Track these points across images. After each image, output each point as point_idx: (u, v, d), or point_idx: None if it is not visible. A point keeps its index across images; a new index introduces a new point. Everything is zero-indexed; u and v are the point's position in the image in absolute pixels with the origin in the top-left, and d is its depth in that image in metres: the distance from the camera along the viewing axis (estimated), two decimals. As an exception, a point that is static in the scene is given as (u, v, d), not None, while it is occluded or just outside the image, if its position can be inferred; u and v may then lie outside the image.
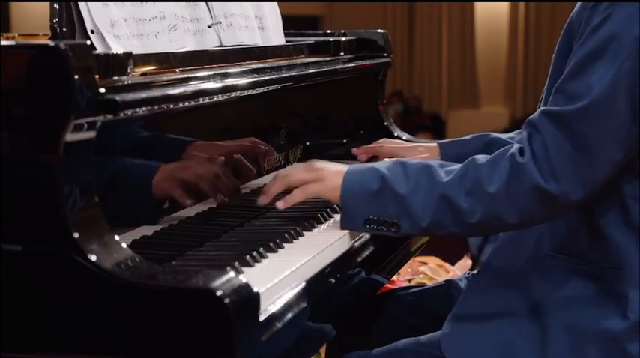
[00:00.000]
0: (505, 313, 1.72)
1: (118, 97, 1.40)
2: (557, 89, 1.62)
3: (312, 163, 1.79)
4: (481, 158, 1.66)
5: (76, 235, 1.31)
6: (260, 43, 2.17)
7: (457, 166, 1.67)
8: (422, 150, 2.15)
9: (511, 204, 1.60)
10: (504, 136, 2.14)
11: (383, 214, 1.68)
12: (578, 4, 1.67)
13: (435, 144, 2.17)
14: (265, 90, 1.94)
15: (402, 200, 1.66)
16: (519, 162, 1.60)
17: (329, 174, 1.74)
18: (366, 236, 1.83)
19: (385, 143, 2.23)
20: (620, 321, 1.66)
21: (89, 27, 1.65)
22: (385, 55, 2.65)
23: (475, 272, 2.12)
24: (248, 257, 1.54)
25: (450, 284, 2.10)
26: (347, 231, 1.79)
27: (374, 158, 2.20)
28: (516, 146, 1.63)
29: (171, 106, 1.59)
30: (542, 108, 1.64)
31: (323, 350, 2.34)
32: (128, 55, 1.56)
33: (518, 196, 1.60)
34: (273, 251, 1.62)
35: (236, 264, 1.49)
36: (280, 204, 1.74)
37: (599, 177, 1.59)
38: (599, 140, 1.57)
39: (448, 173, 1.66)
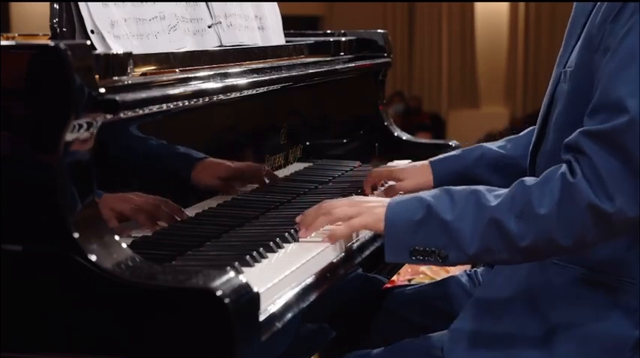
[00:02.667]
0: (510, 319, 1.71)
1: (118, 97, 1.40)
2: (595, 109, 1.56)
3: (353, 197, 1.77)
4: (530, 180, 1.60)
5: (76, 235, 1.31)
6: (260, 43, 2.17)
7: (505, 190, 1.61)
8: (414, 172, 2.11)
9: (564, 225, 1.54)
10: (495, 147, 2.12)
11: (429, 244, 1.62)
12: (594, 15, 1.63)
13: (426, 162, 2.11)
14: (265, 90, 1.94)
15: (448, 228, 1.60)
16: (571, 182, 1.54)
17: (372, 207, 1.69)
18: (366, 236, 1.83)
19: (376, 169, 2.18)
20: (630, 333, 1.64)
21: (89, 27, 1.65)
22: (385, 55, 2.65)
23: (476, 269, 2.12)
24: (248, 257, 1.54)
25: (450, 280, 2.09)
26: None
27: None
28: (565, 166, 1.57)
29: (171, 106, 1.59)
30: (580, 129, 1.57)
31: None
32: (128, 55, 1.56)
33: (571, 216, 1.54)
34: (273, 251, 1.62)
35: (236, 264, 1.49)
36: (325, 241, 1.69)
37: None
38: None
39: (496, 197, 1.60)
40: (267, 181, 2.02)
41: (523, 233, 1.56)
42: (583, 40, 1.67)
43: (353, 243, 1.78)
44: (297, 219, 1.75)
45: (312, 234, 1.72)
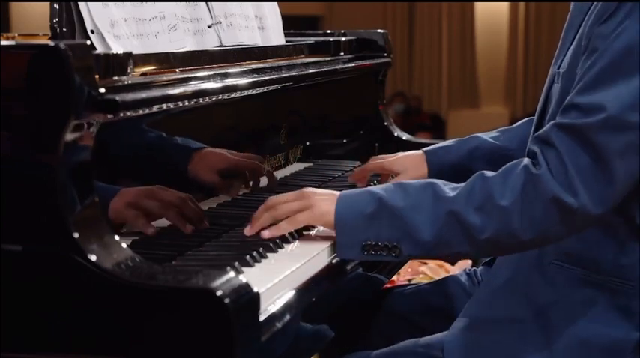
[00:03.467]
0: (510, 321, 1.70)
1: (118, 97, 1.40)
2: (570, 104, 1.56)
3: (301, 191, 1.68)
4: (489, 172, 1.58)
5: (76, 235, 1.31)
6: (260, 43, 2.17)
7: (462, 184, 1.59)
8: (408, 160, 2.09)
9: (526, 218, 1.52)
10: (488, 137, 2.11)
11: (381, 237, 1.58)
12: (587, 19, 1.63)
13: (420, 152, 2.10)
14: (265, 90, 1.94)
15: (401, 219, 1.57)
16: (535, 173, 1.52)
17: (319, 201, 1.63)
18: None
19: (371, 160, 2.15)
20: (629, 336, 1.64)
21: (89, 27, 1.65)
22: (385, 55, 2.65)
23: (475, 268, 2.12)
24: (248, 257, 1.54)
25: (449, 280, 2.09)
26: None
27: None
28: (527, 159, 1.56)
29: (171, 106, 1.59)
30: (552, 122, 1.57)
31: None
32: (128, 55, 1.56)
33: (534, 209, 1.52)
34: (273, 251, 1.62)
35: (236, 264, 1.49)
36: (266, 234, 1.63)
37: (618, 191, 1.53)
38: (618, 153, 1.51)
39: (454, 189, 1.58)
40: (265, 180, 2.02)
41: (483, 225, 1.54)
42: (576, 42, 1.67)
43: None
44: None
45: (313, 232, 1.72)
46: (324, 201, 1.63)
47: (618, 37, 1.54)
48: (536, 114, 1.79)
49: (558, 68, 1.72)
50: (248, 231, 1.66)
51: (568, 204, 1.51)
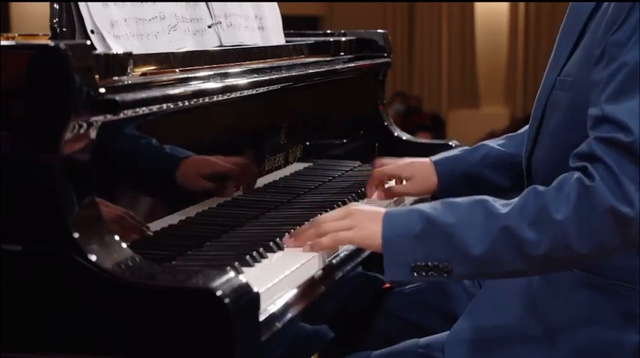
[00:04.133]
0: (511, 322, 1.70)
1: (118, 97, 1.40)
2: (603, 117, 1.52)
3: (348, 208, 1.66)
4: (542, 187, 1.53)
5: (76, 235, 1.31)
6: (260, 43, 2.17)
7: (514, 200, 1.54)
8: (418, 168, 2.08)
9: (583, 231, 1.48)
10: (495, 145, 2.10)
11: (430, 257, 1.52)
12: (597, 26, 1.61)
13: (428, 161, 2.08)
14: (265, 90, 1.94)
15: (452, 237, 1.51)
16: (588, 186, 1.48)
17: (365, 221, 1.59)
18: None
19: (380, 166, 2.13)
20: (630, 339, 1.64)
21: (89, 27, 1.65)
22: (385, 55, 2.65)
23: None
24: (248, 257, 1.54)
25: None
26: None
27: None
28: (579, 172, 1.52)
29: (172, 106, 1.59)
30: (592, 136, 1.52)
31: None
32: (128, 55, 1.56)
33: (590, 221, 1.48)
34: (273, 251, 1.62)
35: (236, 264, 1.49)
36: (306, 249, 1.62)
37: None
38: None
39: (505, 205, 1.53)
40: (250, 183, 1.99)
41: (539, 240, 1.49)
42: (583, 51, 1.64)
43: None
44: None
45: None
46: (369, 221, 1.58)
47: (633, 47, 1.52)
48: (532, 120, 1.77)
49: (559, 75, 1.70)
50: (289, 242, 1.65)
51: (624, 214, 1.47)
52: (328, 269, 1.63)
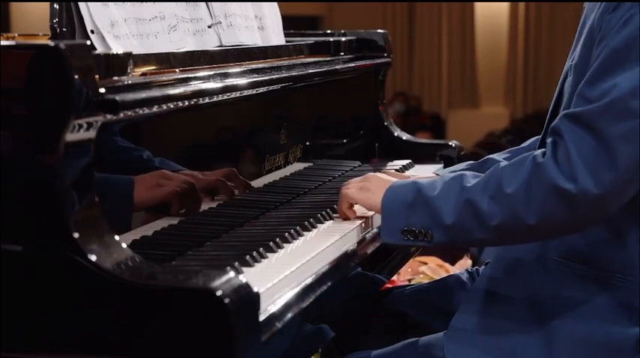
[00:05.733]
0: (510, 318, 1.71)
1: (118, 97, 1.40)
2: (579, 93, 1.59)
3: (369, 174, 1.88)
4: (506, 162, 1.66)
5: (76, 235, 1.31)
6: (260, 43, 2.17)
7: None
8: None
9: (529, 204, 1.57)
10: (501, 158, 2.10)
11: (417, 225, 1.68)
12: (597, 9, 1.64)
13: (432, 175, 2.10)
14: (265, 90, 1.94)
15: (432, 208, 1.67)
16: (539, 162, 1.58)
17: (375, 187, 1.79)
18: (366, 236, 1.83)
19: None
20: (630, 332, 1.64)
21: (89, 27, 1.65)
22: (385, 55, 2.65)
23: (477, 268, 2.11)
24: (248, 257, 1.54)
25: (450, 279, 2.09)
26: (347, 231, 1.79)
27: None
28: (539, 150, 1.61)
29: (171, 106, 1.59)
30: (563, 111, 1.61)
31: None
32: (128, 55, 1.56)
33: (536, 195, 1.57)
34: (273, 251, 1.62)
35: (236, 264, 1.49)
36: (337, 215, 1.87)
37: (622, 176, 1.54)
38: (621, 137, 1.53)
39: (476, 177, 1.66)
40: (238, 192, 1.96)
41: (493, 212, 1.60)
42: (587, 33, 1.67)
43: (353, 243, 1.78)
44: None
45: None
46: (378, 188, 1.77)
47: (624, 27, 1.56)
48: (550, 107, 1.79)
49: (572, 61, 1.73)
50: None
51: (566, 190, 1.54)
52: (328, 269, 1.63)
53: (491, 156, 2.14)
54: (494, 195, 1.61)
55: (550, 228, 1.61)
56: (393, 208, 1.72)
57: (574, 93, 1.64)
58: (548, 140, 1.60)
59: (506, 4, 11.55)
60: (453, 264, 3.39)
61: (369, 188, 1.80)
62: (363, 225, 1.87)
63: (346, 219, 1.87)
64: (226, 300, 1.25)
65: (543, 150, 1.60)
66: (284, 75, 2.03)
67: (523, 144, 2.14)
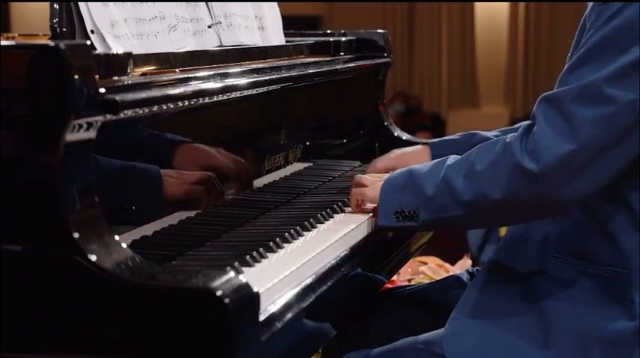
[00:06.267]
0: (508, 314, 1.71)
1: (118, 97, 1.40)
2: (560, 79, 1.62)
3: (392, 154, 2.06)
4: (486, 142, 1.71)
5: (76, 235, 1.31)
6: (260, 43, 2.17)
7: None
8: (414, 158, 2.10)
9: (495, 182, 1.62)
10: (490, 135, 2.13)
11: (408, 205, 1.74)
12: (590, 3, 1.65)
13: (418, 147, 2.16)
14: (265, 90, 1.94)
15: (419, 188, 1.73)
16: (507, 142, 1.63)
17: (376, 183, 1.85)
18: (365, 236, 1.83)
19: (373, 163, 2.18)
20: (626, 325, 1.64)
21: (89, 27, 1.65)
22: (385, 55, 2.65)
23: (477, 268, 2.12)
24: (248, 257, 1.54)
25: (451, 279, 2.09)
26: (347, 231, 1.79)
27: None
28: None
29: (171, 106, 1.59)
30: (541, 95, 1.65)
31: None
32: (128, 55, 1.56)
33: (501, 173, 1.62)
34: (273, 251, 1.62)
35: (236, 264, 1.49)
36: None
37: (580, 153, 1.55)
38: (590, 121, 1.54)
39: (456, 157, 1.72)
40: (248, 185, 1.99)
41: (464, 189, 1.66)
42: (580, 26, 1.69)
43: (353, 243, 1.78)
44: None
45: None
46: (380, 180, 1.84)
47: (612, 18, 1.56)
48: None
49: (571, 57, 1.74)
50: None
51: (528, 169, 1.58)
52: (328, 269, 1.63)
53: (483, 133, 2.16)
54: (467, 172, 1.67)
55: (515, 205, 1.64)
56: (388, 193, 1.78)
57: None
58: (525, 123, 1.66)
59: (506, 4, 11.56)
60: (453, 264, 3.39)
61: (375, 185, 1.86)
62: (363, 225, 1.87)
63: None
64: (226, 300, 1.25)
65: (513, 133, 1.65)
66: (284, 75, 2.03)
67: (514, 126, 2.15)
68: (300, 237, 1.72)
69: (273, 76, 1.98)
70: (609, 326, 1.65)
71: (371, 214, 1.89)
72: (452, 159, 1.73)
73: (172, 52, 1.78)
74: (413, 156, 2.12)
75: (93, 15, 1.66)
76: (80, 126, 1.34)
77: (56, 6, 1.64)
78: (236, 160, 1.91)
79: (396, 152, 2.17)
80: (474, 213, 1.69)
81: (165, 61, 1.74)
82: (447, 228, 1.99)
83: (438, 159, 1.77)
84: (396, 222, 1.76)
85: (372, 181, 1.88)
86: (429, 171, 1.74)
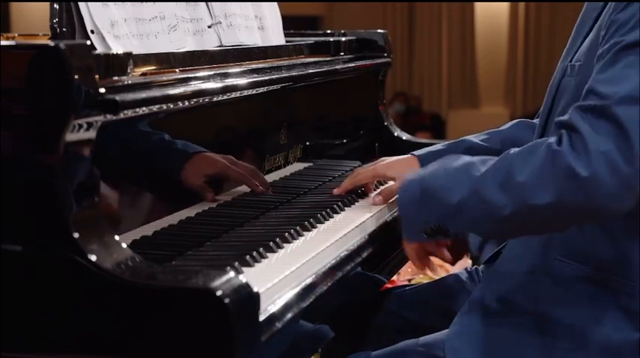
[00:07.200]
0: (510, 318, 1.71)
1: (118, 97, 1.40)
2: (590, 89, 1.56)
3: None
4: (515, 149, 1.61)
5: (76, 235, 1.31)
6: (260, 43, 2.17)
7: (493, 160, 1.62)
8: (402, 165, 2.05)
9: (540, 186, 1.53)
10: (478, 140, 2.09)
11: (431, 220, 1.69)
12: (607, 11, 1.63)
13: (410, 156, 2.07)
14: (265, 90, 1.94)
15: (440, 200, 1.65)
16: (555, 149, 1.54)
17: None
18: (365, 236, 1.83)
19: (360, 170, 2.11)
20: (630, 336, 1.64)
21: (89, 27, 1.65)
22: (385, 55, 2.65)
23: (476, 267, 2.12)
24: (248, 257, 1.54)
25: (450, 278, 2.09)
26: (347, 231, 1.78)
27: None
28: (553, 138, 1.56)
29: (171, 106, 1.59)
30: (574, 105, 1.57)
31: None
32: (128, 55, 1.56)
33: (548, 178, 1.53)
34: (273, 251, 1.62)
35: (236, 264, 1.49)
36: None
37: (636, 168, 1.50)
38: (637, 129, 1.49)
39: (483, 164, 1.63)
40: (260, 187, 1.99)
41: (503, 203, 1.56)
42: (593, 34, 1.67)
43: (353, 243, 1.78)
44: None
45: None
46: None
47: (634, 29, 1.54)
48: (544, 107, 1.79)
49: (571, 61, 1.72)
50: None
51: (582, 176, 1.50)
52: (329, 269, 1.63)
53: (466, 137, 2.13)
54: (503, 183, 1.57)
55: (562, 210, 1.55)
56: (408, 211, 1.72)
57: (579, 92, 1.63)
58: (560, 131, 1.56)
59: (506, 4, 11.55)
60: (453, 264, 3.39)
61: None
62: (364, 225, 1.87)
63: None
64: (226, 300, 1.25)
65: (556, 138, 1.56)
66: (284, 75, 2.03)
67: (502, 127, 2.14)
68: (300, 237, 1.72)
69: (273, 76, 1.98)
70: (612, 336, 1.64)
71: (371, 214, 1.88)
72: (477, 166, 1.63)
73: (172, 52, 1.78)
74: (401, 166, 2.04)
75: (93, 15, 1.66)
76: (80, 126, 1.34)
77: (56, 6, 1.64)
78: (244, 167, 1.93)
79: (386, 160, 2.09)
80: (513, 225, 1.62)
81: (165, 61, 1.74)
82: (480, 235, 1.97)
83: (449, 164, 1.68)
84: (424, 238, 1.72)
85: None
86: (449, 180, 1.65)
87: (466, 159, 1.67)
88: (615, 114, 1.50)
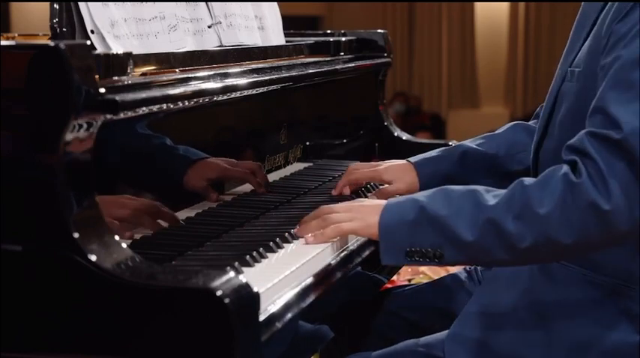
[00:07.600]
0: (510, 320, 1.71)
1: (117, 97, 1.40)
2: (599, 109, 1.54)
3: (351, 202, 1.76)
4: (529, 180, 1.57)
5: (76, 235, 1.31)
6: (260, 43, 2.17)
7: (503, 191, 1.59)
8: (398, 170, 2.04)
9: (565, 224, 1.51)
10: (474, 145, 2.08)
11: (424, 244, 1.60)
12: (605, 16, 1.62)
13: (407, 163, 2.05)
14: (265, 90, 1.94)
15: (443, 226, 1.58)
16: (575, 182, 1.52)
17: (366, 213, 1.67)
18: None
19: (357, 167, 2.10)
20: (629, 339, 1.64)
21: (89, 27, 1.65)
22: (385, 55, 2.65)
23: (475, 266, 2.11)
24: (248, 257, 1.54)
25: (448, 278, 2.09)
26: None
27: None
28: (567, 166, 1.55)
29: (172, 106, 1.59)
30: (585, 130, 1.55)
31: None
32: (128, 55, 1.56)
33: (573, 215, 1.51)
34: (273, 251, 1.62)
35: (236, 264, 1.49)
36: (310, 240, 1.68)
37: None
38: None
39: (495, 196, 1.58)
40: (261, 184, 2.00)
41: (522, 233, 1.53)
42: (592, 41, 1.66)
43: (353, 243, 1.77)
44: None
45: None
46: (371, 213, 1.65)
47: (636, 38, 1.53)
48: (544, 113, 1.78)
49: (570, 66, 1.71)
50: (297, 230, 1.72)
51: (605, 210, 1.49)
52: (329, 270, 1.63)
53: (462, 142, 2.12)
54: (521, 215, 1.54)
55: (585, 245, 1.56)
56: (392, 228, 1.62)
57: (580, 100, 1.62)
58: (572, 157, 1.55)
59: (506, 4, 11.55)
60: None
61: (359, 216, 1.67)
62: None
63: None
64: (226, 300, 1.25)
65: (570, 168, 1.54)
66: (284, 75, 2.03)
67: (498, 130, 2.13)
68: (300, 237, 1.72)
69: (273, 76, 1.98)
70: (612, 339, 1.64)
71: None
72: (484, 195, 1.59)
73: (172, 52, 1.78)
74: (399, 175, 2.04)
75: (93, 15, 1.66)
76: (80, 126, 1.34)
77: (56, 6, 1.64)
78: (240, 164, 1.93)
79: (384, 164, 2.08)
80: (527, 257, 1.59)
81: (165, 61, 1.74)
82: (476, 265, 1.90)
83: (451, 191, 1.62)
84: (407, 260, 1.62)
85: (363, 211, 1.68)
86: (455, 207, 1.58)
87: (469, 187, 1.63)
88: (632, 147, 1.49)
